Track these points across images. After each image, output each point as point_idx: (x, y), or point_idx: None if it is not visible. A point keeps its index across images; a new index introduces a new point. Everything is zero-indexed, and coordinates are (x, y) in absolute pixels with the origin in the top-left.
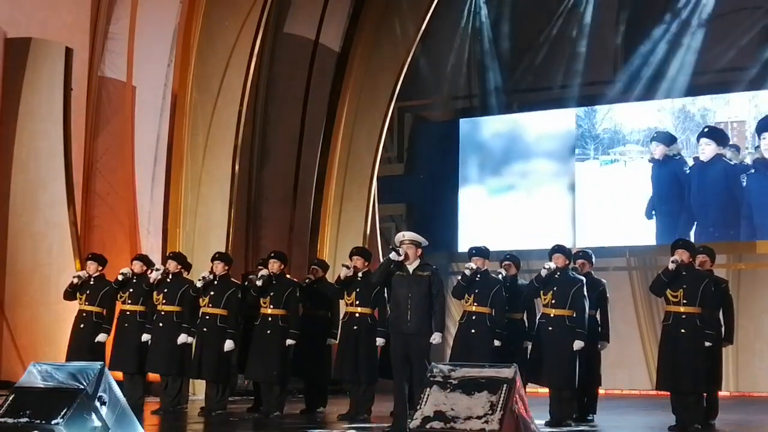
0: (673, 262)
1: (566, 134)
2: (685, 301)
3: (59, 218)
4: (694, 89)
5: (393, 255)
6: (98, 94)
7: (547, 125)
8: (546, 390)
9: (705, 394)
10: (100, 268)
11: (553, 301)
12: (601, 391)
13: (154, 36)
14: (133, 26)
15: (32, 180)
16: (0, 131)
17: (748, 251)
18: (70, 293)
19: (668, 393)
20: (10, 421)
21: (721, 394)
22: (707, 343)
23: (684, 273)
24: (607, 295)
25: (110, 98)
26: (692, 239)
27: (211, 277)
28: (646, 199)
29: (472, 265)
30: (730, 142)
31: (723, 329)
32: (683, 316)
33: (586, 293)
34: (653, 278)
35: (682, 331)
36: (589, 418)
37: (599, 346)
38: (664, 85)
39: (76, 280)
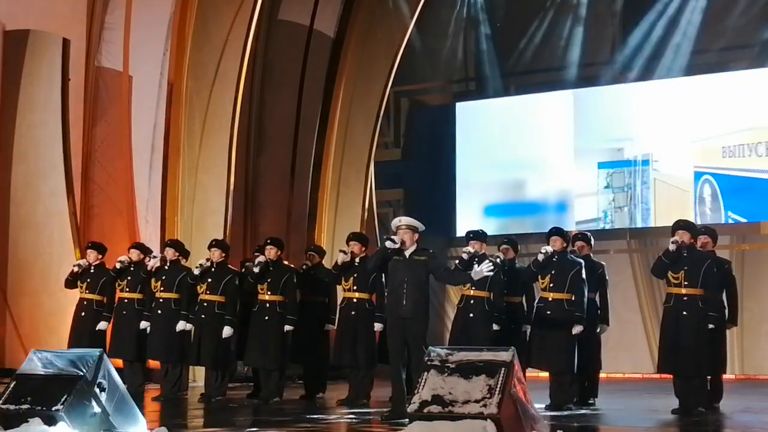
0: (673, 243)
1: (565, 116)
2: (686, 283)
3: (59, 208)
4: (694, 68)
5: (389, 243)
6: (95, 84)
7: (545, 107)
8: (547, 374)
9: (709, 377)
10: (100, 256)
11: (552, 285)
12: (602, 374)
13: (149, 25)
14: (128, 16)
15: (32, 170)
16: (0, 122)
17: (752, 232)
18: (71, 282)
19: (671, 376)
20: (11, 407)
21: (726, 377)
22: (710, 326)
23: (685, 254)
24: (607, 277)
25: (107, 88)
26: None
27: (209, 264)
28: (653, 185)
29: (470, 249)
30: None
31: (726, 311)
32: (685, 298)
33: (584, 276)
34: (654, 260)
35: (684, 313)
36: (590, 401)
37: (599, 329)
38: (663, 64)
39: (76, 269)
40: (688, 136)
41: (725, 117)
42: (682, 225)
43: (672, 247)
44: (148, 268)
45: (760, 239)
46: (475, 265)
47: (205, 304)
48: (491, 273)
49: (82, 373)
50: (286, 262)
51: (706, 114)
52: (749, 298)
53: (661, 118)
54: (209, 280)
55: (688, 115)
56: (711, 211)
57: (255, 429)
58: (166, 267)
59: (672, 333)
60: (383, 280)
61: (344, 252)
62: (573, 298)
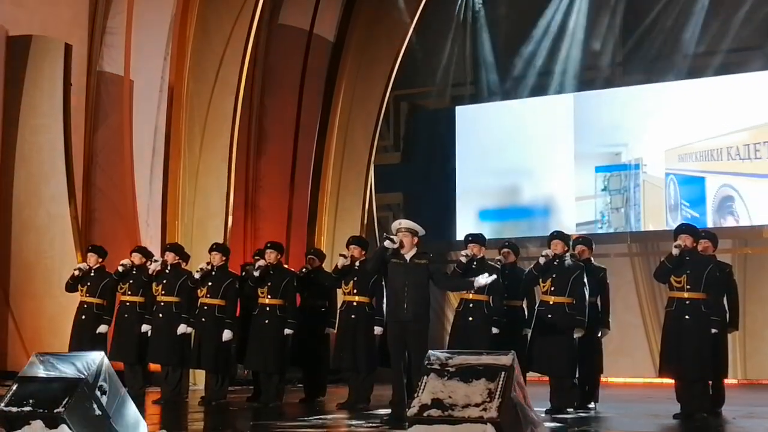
0: (676, 247)
1: (564, 120)
2: (689, 287)
3: (61, 211)
4: (697, 71)
5: (387, 243)
6: (97, 89)
7: (545, 111)
8: (547, 378)
9: (711, 382)
10: (101, 260)
11: (552, 289)
12: (603, 379)
13: (150, 30)
14: (129, 20)
15: (34, 174)
16: (3, 127)
17: (754, 236)
18: (72, 285)
19: (672, 381)
20: (14, 410)
21: (728, 381)
22: (713, 330)
23: (687, 258)
24: (608, 281)
25: (108, 92)
26: None
27: (210, 267)
28: (642, 187)
29: (468, 252)
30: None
31: (728, 315)
32: (687, 302)
33: (585, 280)
34: (655, 264)
35: (687, 317)
36: (590, 406)
37: (599, 333)
38: (663, 67)
39: (77, 272)
40: (670, 138)
41: (710, 120)
42: (684, 229)
43: (675, 251)
44: (150, 272)
45: (762, 243)
46: (479, 277)
47: (206, 307)
48: (490, 280)
49: (83, 376)
50: (286, 266)
51: (695, 117)
52: (752, 302)
53: (654, 121)
54: (209, 283)
55: (678, 118)
56: (672, 211)
57: None
58: (167, 271)
59: (674, 337)
60: (383, 283)
61: (344, 256)
62: (574, 302)
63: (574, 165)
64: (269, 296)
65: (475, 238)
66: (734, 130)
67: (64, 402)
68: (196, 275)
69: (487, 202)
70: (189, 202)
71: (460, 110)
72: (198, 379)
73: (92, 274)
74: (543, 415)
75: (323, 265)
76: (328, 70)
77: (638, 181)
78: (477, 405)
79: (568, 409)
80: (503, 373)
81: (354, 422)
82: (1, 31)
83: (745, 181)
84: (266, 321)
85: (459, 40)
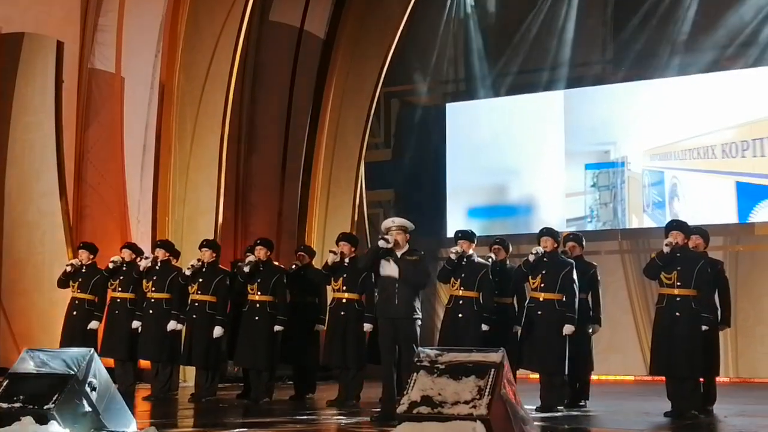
0: (667, 245)
1: (555, 117)
2: (679, 284)
3: (52, 208)
4: (685, 68)
5: (382, 243)
6: (88, 86)
7: (536, 109)
8: (537, 375)
9: (702, 380)
10: (92, 256)
11: (542, 285)
12: (594, 376)
13: (141, 27)
14: (121, 18)
15: (26, 171)
16: None
17: (745, 233)
18: (63, 281)
19: (663, 378)
20: (4, 405)
21: (720, 379)
22: (704, 327)
23: (678, 254)
24: (599, 278)
25: (100, 89)
26: None
27: (200, 264)
28: (627, 183)
29: (458, 248)
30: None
31: (719, 312)
32: (678, 299)
33: (575, 277)
34: (646, 261)
35: (677, 314)
36: (581, 404)
37: (590, 330)
38: (652, 64)
39: (69, 268)
40: (650, 135)
41: (695, 118)
42: (675, 225)
43: (666, 249)
44: (140, 268)
45: (754, 240)
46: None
47: (196, 304)
48: (384, 244)
49: (73, 372)
50: (276, 263)
51: (679, 115)
52: (743, 299)
53: (639, 118)
54: (200, 280)
55: (663, 115)
56: (647, 207)
57: (244, 429)
58: (157, 267)
59: (665, 334)
60: (373, 280)
61: (334, 252)
62: (564, 299)
63: (564, 162)
64: (259, 293)
65: (465, 235)
66: (715, 129)
67: (54, 398)
68: (187, 272)
69: (477, 199)
70: (180, 198)
71: (450, 107)
72: (188, 375)
73: (84, 271)
74: (533, 412)
75: (313, 262)
76: (319, 66)
77: (624, 178)
78: (467, 402)
79: (558, 407)
80: (493, 370)
81: (343, 419)
82: None
83: (690, 176)
84: (256, 317)
85: (450, 37)
